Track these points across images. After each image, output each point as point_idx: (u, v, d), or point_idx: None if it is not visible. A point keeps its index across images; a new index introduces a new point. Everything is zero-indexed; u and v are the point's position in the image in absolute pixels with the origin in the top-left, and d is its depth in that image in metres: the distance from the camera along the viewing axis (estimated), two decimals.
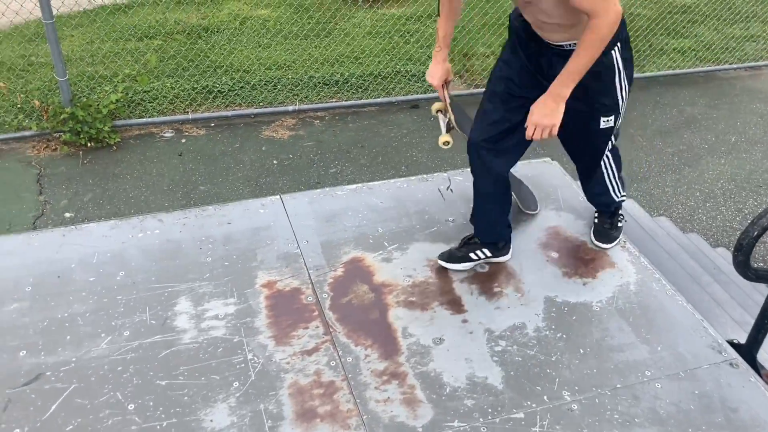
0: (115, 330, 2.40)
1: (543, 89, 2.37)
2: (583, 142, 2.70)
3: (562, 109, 2.33)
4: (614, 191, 2.90)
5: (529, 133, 2.39)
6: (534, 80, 2.49)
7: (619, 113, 2.57)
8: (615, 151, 2.81)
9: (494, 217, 2.80)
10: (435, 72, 2.66)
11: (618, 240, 2.98)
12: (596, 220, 3.02)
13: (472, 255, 2.80)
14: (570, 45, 2.36)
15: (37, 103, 5.00)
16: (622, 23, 2.34)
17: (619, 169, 2.87)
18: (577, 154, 2.82)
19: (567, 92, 2.30)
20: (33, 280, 2.60)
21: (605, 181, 2.85)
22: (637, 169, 5.18)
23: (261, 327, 2.45)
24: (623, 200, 2.97)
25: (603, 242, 2.97)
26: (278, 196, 3.12)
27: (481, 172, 2.69)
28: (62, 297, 2.53)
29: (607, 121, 2.56)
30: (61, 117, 4.89)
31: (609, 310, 2.61)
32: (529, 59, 2.49)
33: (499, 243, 2.83)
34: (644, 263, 2.86)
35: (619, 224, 3.01)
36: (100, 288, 2.57)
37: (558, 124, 2.35)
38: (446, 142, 2.70)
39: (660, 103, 6.16)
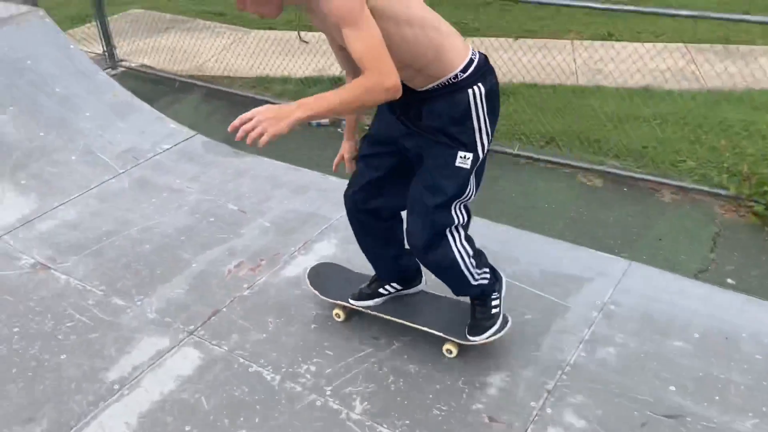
0: None
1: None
2: (436, 175, 2.57)
3: (291, 121, 2.14)
4: (469, 274, 2.77)
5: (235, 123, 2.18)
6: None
7: (477, 152, 2.55)
8: (465, 232, 2.74)
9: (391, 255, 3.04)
10: None
11: (495, 331, 2.90)
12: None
13: (381, 290, 3.11)
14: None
15: (745, 167, 4.98)
16: (491, 71, 2.51)
17: (472, 248, 2.77)
18: (418, 199, 2.63)
19: (306, 110, 2.16)
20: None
21: (456, 258, 2.71)
22: None
23: None
24: (483, 283, 2.85)
25: (472, 334, 2.93)
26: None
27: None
28: None
29: (464, 158, 2.53)
30: (763, 189, 4.76)
31: None
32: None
33: (407, 275, 3.09)
34: None
35: (493, 311, 2.92)
36: None
37: (275, 133, 2.13)
38: None
39: None
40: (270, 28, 8.39)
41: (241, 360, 3.12)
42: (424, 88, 2.50)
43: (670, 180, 5.11)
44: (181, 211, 4.19)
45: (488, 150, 2.62)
